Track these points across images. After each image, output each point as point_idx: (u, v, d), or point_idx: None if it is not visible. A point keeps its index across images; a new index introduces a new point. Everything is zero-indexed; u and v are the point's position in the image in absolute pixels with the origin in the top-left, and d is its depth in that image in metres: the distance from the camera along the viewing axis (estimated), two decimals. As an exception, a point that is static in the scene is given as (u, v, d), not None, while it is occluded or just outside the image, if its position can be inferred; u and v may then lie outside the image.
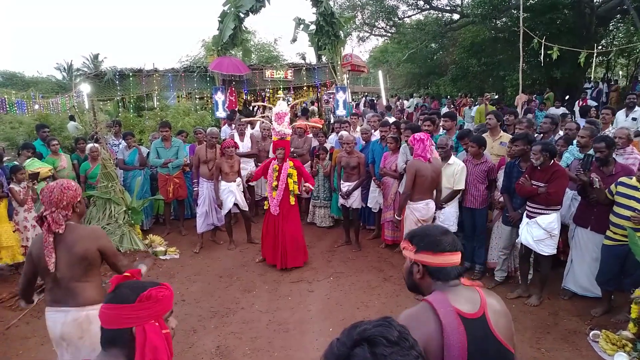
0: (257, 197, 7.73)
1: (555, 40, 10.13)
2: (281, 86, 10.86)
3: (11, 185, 5.58)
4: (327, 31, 10.08)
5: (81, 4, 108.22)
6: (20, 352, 4.02)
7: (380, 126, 6.56)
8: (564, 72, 13.75)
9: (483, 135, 5.62)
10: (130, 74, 9.84)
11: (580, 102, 12.02)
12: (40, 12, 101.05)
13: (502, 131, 5.84)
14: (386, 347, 1.00)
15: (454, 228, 5.02)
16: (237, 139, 7.34)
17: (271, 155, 6.43)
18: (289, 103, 10.23)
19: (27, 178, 5.77)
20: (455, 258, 1.64)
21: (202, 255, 6.25)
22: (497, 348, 1.57)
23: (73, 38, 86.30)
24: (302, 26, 10.89)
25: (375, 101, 19.11)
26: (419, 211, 4.83)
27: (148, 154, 7.31)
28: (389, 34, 24.15)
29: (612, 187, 4.02)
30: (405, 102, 20.72)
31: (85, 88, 9.85)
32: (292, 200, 5.62)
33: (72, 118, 11.95)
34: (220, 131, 8.95)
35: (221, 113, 9.94)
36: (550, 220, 4.26)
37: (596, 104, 12.69)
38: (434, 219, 5.01)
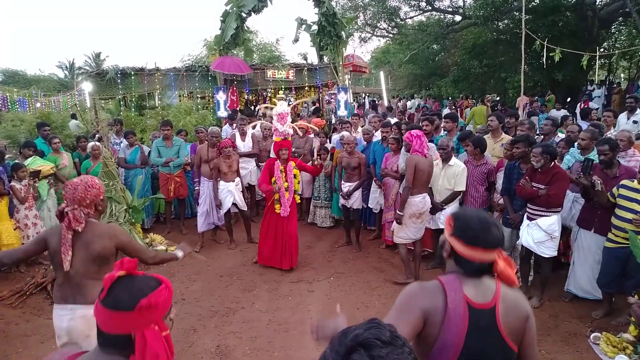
0: (258, 197, 7.73)
1: (557, 42, 10.14)
2: (283, 86, 10.87)
3: (12, 183, 5.58)
4: (329, 31, 10.09)
5: (84, 4, 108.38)
6: (20, 350, 4.02)
7: (381, 127, 6.56)
8: (566, 74, 13.74)
9: (485, 137, 5.62)
10: (132, 73, 9.85)
11: (582, 105, 12.01)
12: (42, 12, 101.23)
13: (503, 133, 5.84)
14: (382, 348, 1.00)
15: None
16: (238, 138, 7.34)
17: (272, 155, 6.43)
18: (290, 103, 10.24)
19: (28, 176, 5.78)
20: (487, 256, 1.59)
21: (202, 254, 6.25)
22: (498, 342, 1.57)
23: (75, 37, 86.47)
24: (304, 26, 10.89)
25: (376, 102, 19.12)
26: (416, 205, 4.92)
27: (149, 152, 7.31)
28: (391, 35, 24.17)
29: (614, 190, 4.02)
30: (407, 103, 20.73)
31: (87, 86, 9.87)
32: (298, 199, 5.69)
33: (73, 116, 11.97)
34: (221, 131, 8.97)
35: (222, 112, 9.95)
36: (551, 222, 4.26)
37: (598, 106, 12.69)
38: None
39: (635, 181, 3.90)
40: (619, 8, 14.36)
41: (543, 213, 4.29)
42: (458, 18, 19.83)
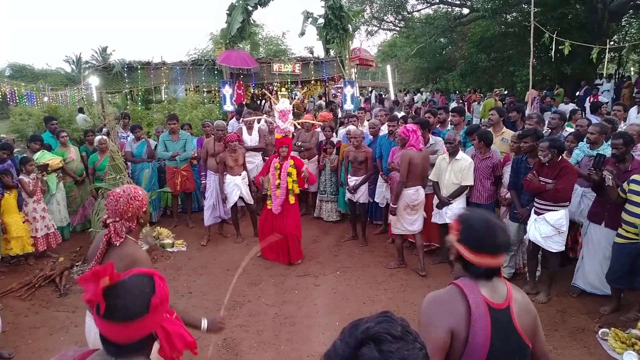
0: (264, 190, 7.73)
1: (566, 35, 10.02)
2: (289, 80, 10.84)
3: (21, 177, 5.62)
4: (335, 25, 10.03)
5: (92, 4, 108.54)
6: (29, 342, 4.06)
7: (388, 121, 6.52)
8: (575, 68, 13.60)
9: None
10: (139, 67, 9.87)
11: (592, 98, 11.89)
12: (50, 8, 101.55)
13: (504, 127, 5.80)
14: (392, 343, 0.99)
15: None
16: (244, 132, 7.34)
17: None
18: (296, 97, 10.22)
19: (36, 169, 5.82)
20: (494, 261, 1.61)
21: (209, 248, 6.27)
22: (517, 340, 1.60)
23: (83, 33, 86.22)
24: (310, 20, 10.84)
25: (383, 96, 19.04)
26: (409, 197, 5.07)
27: (156, 146, 7.33)
28: (398, 28, 24.02)
29: (625, 185, 3.97)
30: (414, 97, 20.64)
31: (94, 80, 9.89)
32: (292, 200, 5.59)
33: (81, 110, 12.01)
34: (228, 125, 8.98)
35: (229, 106, 9.95)
36: (559, 217, 4.22)
37: (607, 100, 12.55)
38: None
39: None
40: (629, 0, 14.18)
41: (550, 207, 4.25)
42: (466, 11, 19.67)
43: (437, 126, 6.55)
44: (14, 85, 12.35)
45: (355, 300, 4.71)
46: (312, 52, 13.75)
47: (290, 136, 5.63)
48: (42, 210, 5.86)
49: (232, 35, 10.06)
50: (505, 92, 16.61)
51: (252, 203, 6.40)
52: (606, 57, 9.61)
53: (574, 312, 4.32)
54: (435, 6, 21.28)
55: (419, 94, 21.75)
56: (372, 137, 6.62)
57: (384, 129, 6.65)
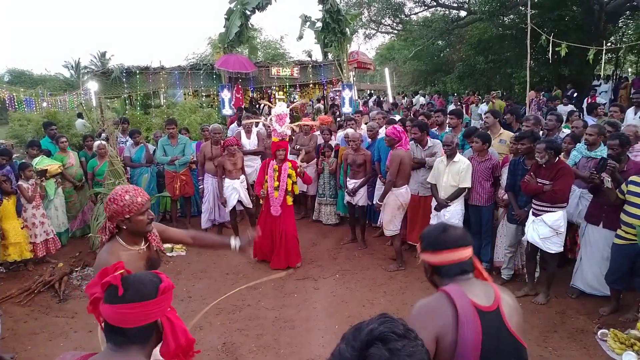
0: (262, 194, 7.74)
1: (563, 37, 10.06)
2: (287, 83, 10.86)
3: (19, 182, 5.63)
4: (333, 28, 10.07)
5: (89, 4, 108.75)
6: (28, 348, 4.06)
7: (386, 123, 6.54)
8: (572, 69, 13.65)
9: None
10: (137, 72, 9.89)
11: (589, 100, 11.92)
12: (47, 12, 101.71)
13: (502, 128, 5.81)
14: (397, 341, 1.01)
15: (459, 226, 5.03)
16: (243, 136, 7.35)
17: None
18: (294, 100, 10.23)
19: (35, 175, 5.82)
20: (457, 254, 1.66)
21: (208, 252, 6.27)
22: (511, 342, 1.60)
23: (81, 38, 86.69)
24: (308, 23, 10.89)
25: (382, 99, 19.07)
26: (402, 196, 5.29)
27: (154, 151, 7.34)
28: (396, 31, 24.08)
29: (623, 186, 3.98)
30: (413, 99, 20.67)
31: (93, 86, 9.92)
32: (290, 201, 5.60)
33: (80, 116, 12.04)
34: (228, 129, 9.01)
35: (227, 110, 9.97)
36: (556, 218, 4.23)
37: (605, 101, 12.58)
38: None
39: None
40: (626, 2, 14.22)
41: (548, 209, 4.26)
42: (463, 13, 19.73)
43: (435, 129, 6.56)
44: (13, 91, 12.39)
45: (355, 303, 4.71)
46: (310, 56, 13.84)
47: (287, 140, 5.64)
48: (41, 216, 5.86)
49: (230, 40, 10.10)
50: (504, 94, 16.64)
51: (251, 207, 6.41)
52: (603, 58, 9.62)
53: (573, 313, 4.32)
54: (433, 9, 21.37)
55: (417, 97, 21.77)
56: (370, 140, 6.63)
57: (382, 132, 6.66)
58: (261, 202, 5.69)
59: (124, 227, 2.30)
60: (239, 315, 4.53)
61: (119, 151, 7.03)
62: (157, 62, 10.44)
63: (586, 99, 12.47)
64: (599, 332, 3.86)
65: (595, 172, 4.14)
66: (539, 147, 4.25)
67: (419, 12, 21.72)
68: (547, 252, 4.36)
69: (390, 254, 5.96)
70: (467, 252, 1.67)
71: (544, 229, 4.27)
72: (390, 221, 5.28)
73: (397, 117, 8.06)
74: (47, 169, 6.17)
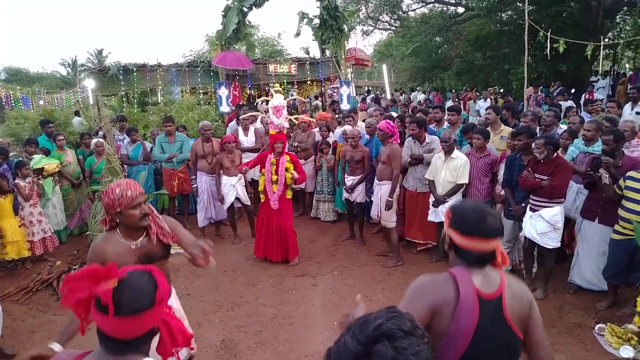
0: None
1: (561, 33, 10.05)
2: (285, 80, 10.84)
3: (16, 181, 5.61)
4: (331, 25, 10.04)
5: (86, 2, 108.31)
6: (27, 346, 4.05)
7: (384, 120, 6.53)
8: (570, 65, 13.63)
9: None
10: (134, 69, 9.85)
11: (587, 95, 11.92)
12: (44, 10, 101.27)
13: (502, 125, 5.82)
14: (404, 339, 1.00)
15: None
16: (241, 133, 7.34)
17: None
18: (291, 96, 10.21)
19: (32, 173, 5.81)
20: (486, 245, 1.61)
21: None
22: (505, 332, 1.60)
23: (77, 36, 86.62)
24: (305, 20, 10.86)
25: (380, 95, 19.06)
26: (398, 188, 5.49)
27: (152, 148, 7.32)
28: (393, 28, 24.06)
29: (621, 181, 3.99)
30: (411, 95, 20.66)
31: (90, 83, 9.88)
32: (289, 194, 5.62)
33: (77, 113, 12.00)
34: (227, 126, 8.99)
35: (225, 108, 9.95)
36: (554, 213, 4.24)
37: (603, 97, 12.58)
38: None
39: None
40: (623, -3, 14.22)
41: (546, 204, 4.27)
42: (461, 10, 19.70)
43: (433, 125, 6.56)
44: (9, 89, 12.35)
45: (353, 299, 4.66)
46: (308, 53, 13.76)
47: (285, 132, 5.62)
48: (39, 214, 5.85)
49: (227, 37, 10.06)
50: (501, 91, 16.65)
51: (249, 204, 6.40)
52: (601, 54, 9.63)
53: (570, 308, 4.34)
54: (431, 5, 21.31)
55: (414, 93, 21.77)
56: (368, 136, 6.63)
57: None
58: (261, 195, 5.67)
59: (118, 221, 2.35)
60: (237, 312, 4.54)
61: (116, 149, 7.01)
62: (154, 60, 10.41)
63: (584, 94, 12.48)
64: (596, 327, 3.88)
65: (590, 170, 4.16)
66: (537, 142, 4.25)
67: (417, 8, 21.71)
68: (544, 248, 4.37)
69: (385, 248, 5.97)
70: (495, 244, 1.63)
71: (542, 225, 4.28)
72: (391, 214, 5.35)
73: (395, 114, 8.06)
74: (43, 168, 6.15)
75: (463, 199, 5.07)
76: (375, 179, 5.58)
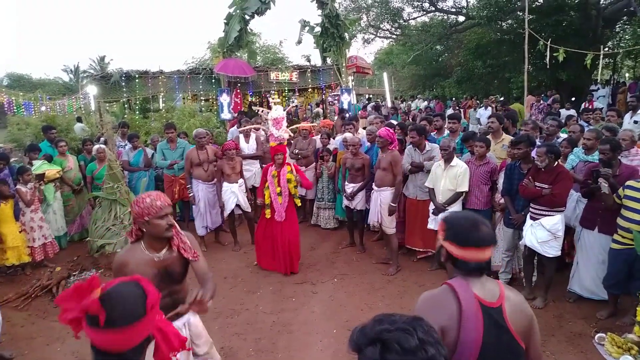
0: (260, 203, 7.73)
1: (561, 42, 10.10)
2: (286, 88, 10.88)
3: (18, 186, 5.63)
4: (332, 33, 10.10)
5: (89, 9, 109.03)
6: (25, 352, 4.05)
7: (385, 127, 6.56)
8: (570, 74, 13.68)
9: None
10: (136, 76, 9.89)
11: (586, 104, 11.95)
12: (48, 17, 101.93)
13: (504, 134, 5.83)
14: (398, 354, 0.98)
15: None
16: (242, 140, 7.36)
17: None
18: (292, 104, 10.25)
19: (33, 179, 5.82)
20: (481, 254, 1.63)
21: (206, 256, 6.18)
22: (508, 340, 1.60)
23: (80, 43, 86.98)
24: (307, 28, 10.92)
25: (380, 103, 19.11)
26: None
27: (153, 155, 7.34)
28: (394, 36, 24.16)
29: (620, 191, 3.99)
30: (411, 103, 20.72)
31: (92, 90, 9.92)
32: (298, 202, 5.67)
33: (79, 119, 12.04)
34: (228, 132, 9.02)
35: (226, 115, 9.98)
36: (555, 222, 4.24)
37: (602, 106, 12.60)
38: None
39: None
40: (623, 7, 14.27)
41: (546, 213, 4.27)
42: (461, 18, 19.80)
43: (434, 133, 6.58)
44: (11, 95, 12.38)
45: (353, 307, 4.71)
46: (309, 60, 13.83)
47: (285, 143, 5.64)
48: (40, 220, 5.86)
49: (229, 44, 10.11)
50: (502, 99, 16.69)
51: (250, 211, 6.41)
52: (600, 63, 9.67)
53: (570, 317, 4.33)
54: (431, 14, 21.42)
55: (416, 101, 21.82)
56: (369, 144, 6.65)
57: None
58: (259, 204, 5.66)
59: (144, 230, 2.41)
60: (237, 319, 4.53)
61: (118, 155, 7.03)
62: (157, 67, 10.44)
63: (584, 103, 12.51)
64: (596, 336, 3.86)
65: (588, 180, 4.17)
66: (539, 151, 4.26)
67: (418, 17, 21.81)
68: (545, 256, 4.37)
69: (385, 256, 5.97)
70: (489, 252, 1.66)
71: (542, 233, 4.28)
72: (392, 220, 5.41)
73: (395, 122, 8.08)
74: (44, 173, 6.16)
75: (454, 211, 5.08)
76: (374, 185, 5.59)
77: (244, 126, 7.44)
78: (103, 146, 6.61)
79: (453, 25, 20.18)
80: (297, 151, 7.29)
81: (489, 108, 13.12)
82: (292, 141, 7.51)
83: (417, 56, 21.18)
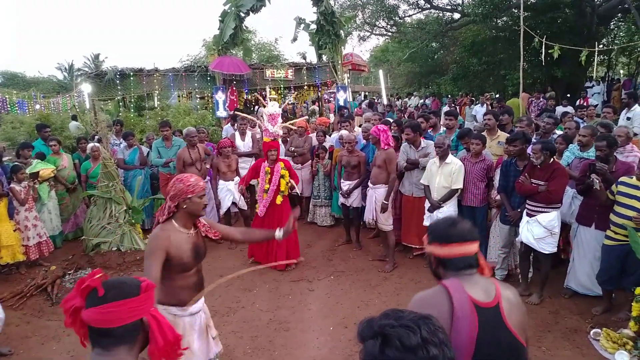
0: (248, 198, 7.72)
1: (556, 39, 10.14)
2: (282, 85, 10.86)
3: (12, 185, 5.59)
4: (327, 30, 10.10)
5: (83, 6, 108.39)
6: (20, 352, 4.03)
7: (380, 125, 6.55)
8: (565, 71, 13.74)
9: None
10: (131, 74, 9.86)
11: (582, 101, 12.00)
12: (41, 14, 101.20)
13: (499, 130, 5.84)
14: (398, 350, 0.98)
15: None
16: (238, 138, 7.34)
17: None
18: (289, 102, 10.23)
19: (27, 178, 5.79)
20: (465, 248, 1.66)
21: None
22: (508, 339, 1.59)
23: (75, 41, 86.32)
24: (302, 25, 10.92)
25: (376, 101, 19.11)
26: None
27: (148, 153, 7.31)
28: (390, 33, 24.13)
29: (613, 187, 4.01)
30: (408, 100, 20.73)
31: (86, 88, 9.88)
32: (279, 200, 5.52)
33: (74, 118, 11.99)
34: (222, 130, 8.99)
35: (222, 112, 9.96)
36: (551, 219, 4.26)
37: (597, 103, 12.66)
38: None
39: (634, 177, 3.89)
40: (617, 4, 14.33)
41: (543, 209, 4.29)
42: (457, 16, 19.80)
43: (429, 130, 6.59)
44: (5, 93, 12.32)
45: (350, 304, 4.71)
46: (304, 58, 13.87)
47: (280, 140, 5.62)
48: (34, 219, 5.82)
49: (224, 42, 10.09)
50: (497, 96, 16.73)
51: (246, 208, 6.39)
52: (595, 60, 9.71)
53: (566, 313, 4.34)
54: (427, 11, 21.40)
55: (413, 98, 21.82)
56: (365, 141, 6.65)
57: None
58: (257, 205, 5.65)
59: (184, 207, 2.52)
60: (233, 317, 4.52)
61: (112, 153, 6.99)
62: (151, 65, 10.43)
63: (578, 100, 12.56)
64: (591, 332, 3.88)
65: (585, 176, 4.18)
66: (534, 147, 4.27)
67: (413, 14, 21.77)
68: (541, 253, 4.38)
69: (381, 253, 5.97)
70: (474, 247, 1.68)
71: (539, 230, 4.29)
72: (388, 216, 5.41)
73: (391, 120, 8.08)
74: (38, 171, 6.12)
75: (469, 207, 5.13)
76: (370, 182, 5.59)
77: (240, 123, 7.42)
78: (97, 144, 6.57)
79: (448, 23, 20.18)
80: (293, 149, 7.28)
81: (485, 105, 13.15)
82: (287, 138, 7.50)
83: (412, 53, 21.17)
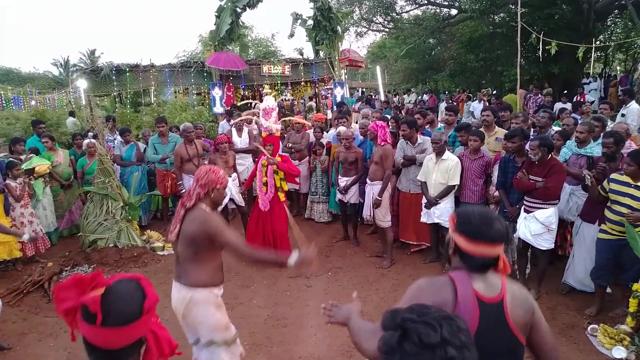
0: (255, 193, 7.71)
1: (553, 35, 10.12)
2: (279, 81, 10.83)
3: (7, 181, 5.55)
4: (324, 26, 10.06)
5: (79, 2, 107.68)
6: (17, 349, 4.01)
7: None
8: (562, 67, 13.75)
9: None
10: (127, 70, 9.81)
11: (578, 97, 12.00)
12: (36, 9, 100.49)
13: (497, 127, 5.84)
14: (415, 345, 0.97)
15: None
16: (234, 134, 7.31)
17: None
18: (286, 99, 10.21)
19: (23, 174, 5.75)
20: (490, 250, 1.58)
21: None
22: (508, 336, 1.58)
23: (70, 36, 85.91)
24: (299, 21, 10.87)
25: (373, 97, 19.09)
26: (390, 188, 5.54)
27: (145, 149, 7.27)
28: (387, 30, 24.11)
29: (605, 183, 4.00)
30: (405, 97, 20.73)
31: (82, 84, 9.82)
32: (282, 197, 5.56)
33: (71, 114, 11.93)
34: (219, 126, 8.96)
35: (218, 108, 9.92)
36: (548, 215, 4.26)
37: (594, 99, 12.68)
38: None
39: (624, 174, 3.88)
40: (614, 0, 14.35)
41: (540, 205, 4.29)
42: (454, 12, 19.80)
43: (427, 126, 6.58)
44: (0, 89, 12.23)
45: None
46: (301, 54, 13.80)
47: (277, 134, 5.61)
48: (30, 215, 5.80)
49: (221, 37, 10.05)
50: (494, 92, 16.75)
51: (243, 205, 6.37)
52: (592, 56, 9.72)
53: (563, 309, 4.36)
54: (424, 7, 21.39)
55: (410, 94, 21.81)
56: (362, 137, 6.64)
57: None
58: (255, 196, 5.65)
59: (211, 195, 2.77)
60: (231, 313, 4.47)
61: (108, 149, 6.96)
62: (147, 60, 10.37)
63: (575, 96, 12.57)
64: (589, 328, 3.90)
65: (588, 173, 4.17)
66: (532, 144, 4.27)
67: (410, 10, 21.78)
68: (538, 249, 4.39)
69: (379, 249, 5.97)
70: (499, 250, 1.60)
71: (536, 226, 4.29)
72: (386, 213, 5.42)
73: (388, 116, 8.08)
74: (34, 168, 6.09)
75: (466, 204, 5.08)
76: (367, 179, 5.59)
77: (235, 119, 7.39)
78: (93, 141, 6.52)
79: (446, 19, 20.17)
80: (290, 145, 7.26)
81: (482, 101, 13.16)
82: (285, 135, 7.47)
83: (410, 50, 21.14)
